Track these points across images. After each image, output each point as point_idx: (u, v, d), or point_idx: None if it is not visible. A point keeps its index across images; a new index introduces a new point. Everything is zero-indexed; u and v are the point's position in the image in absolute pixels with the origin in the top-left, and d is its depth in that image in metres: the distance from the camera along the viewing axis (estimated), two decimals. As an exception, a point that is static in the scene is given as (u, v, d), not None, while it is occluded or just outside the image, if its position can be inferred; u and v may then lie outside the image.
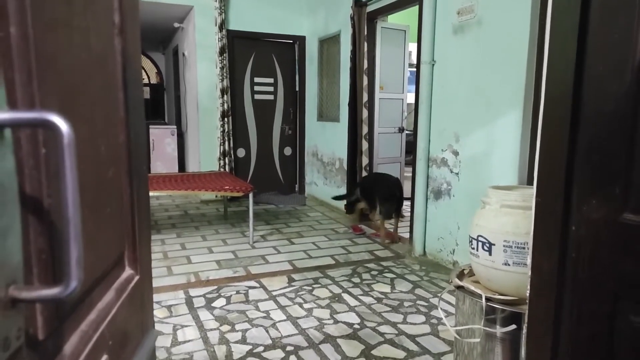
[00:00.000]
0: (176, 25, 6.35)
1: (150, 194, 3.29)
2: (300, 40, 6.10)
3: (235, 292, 3.05)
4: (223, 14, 5.49)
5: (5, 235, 0.42)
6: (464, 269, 2.03)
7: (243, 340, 2.40)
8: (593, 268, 0.94)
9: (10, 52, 0.44)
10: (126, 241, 0.83)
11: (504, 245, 1.68)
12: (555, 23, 0.98)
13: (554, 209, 0.99)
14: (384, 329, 2.55)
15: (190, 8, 5.65)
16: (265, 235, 4.43)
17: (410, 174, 4.00)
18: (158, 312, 2.69)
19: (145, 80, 10.21)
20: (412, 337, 2.45)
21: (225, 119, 5.67)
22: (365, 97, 4.58)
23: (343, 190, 5.17)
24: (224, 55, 5.55)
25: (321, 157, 5.92)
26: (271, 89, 6.17)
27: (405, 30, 5.11)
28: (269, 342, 2.39)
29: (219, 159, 5.74)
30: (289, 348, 2.33)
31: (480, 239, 1.76)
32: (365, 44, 4.52)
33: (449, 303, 2.87)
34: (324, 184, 5.89)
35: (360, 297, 2.99)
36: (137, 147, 0.87)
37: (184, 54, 6.55)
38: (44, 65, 0.50)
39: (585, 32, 0.92)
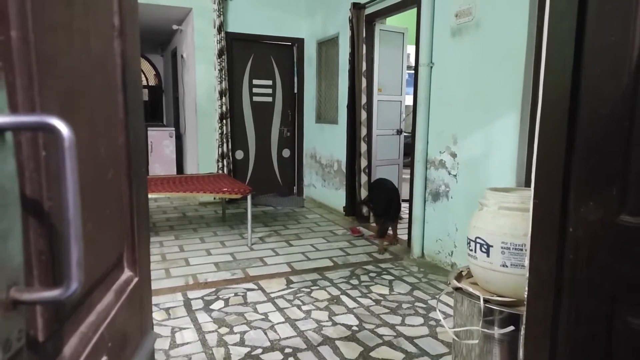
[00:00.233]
0: (175, 27, 6.36)
1: (149, 196, 3.27)
2: (299, 42, 6.11)
3: (233, 295, 3.04)
4: (222, 16, 5.49)
5: (6, 237, 0.42)
6: (462, 271, 2.04)
7: (241, 343, 2.40)
8: (591, 269, 0.94)
9: (11, 55, 0.44)
10: (125, 243, 0.83)
11: (501, 247, 1.69)
12: (553, 26, 0.99)
13: (551, 211, 1.00)
14: (382, 330, 2.55)
15: (189, 10, 5.65)
16: (263, 238, 4.42)
17: (409, 176, 4.00)
18: (156, 315, 2.68)
19: (144, 83, 10.22)
20: (410, 339, 2.45)
21: (224, 121, 5.67)
22: (363, 99, 4.58)
23: (342, 192, 5.16)
24: (223, 57, 5.55)
25: (319, 159, 5.92)
26: (270, 91, 6.17)
27: (403, 33, 5.12)
28: (268, 344, 2.39)
29: (218, 161, 5.73)
30: (287, 350, 2.33)
31: (478, 240, 1.76)
32: (364, 46, 4.53)
33: (447, 305, 2.87)
34: (323, 186, 5.89)
35: (358, 299, 3.00)
36: (137, 149, 0.87)
37: (182, 56, 6.55)
38: (45, 68, 0.50)
39: (583, 34, 0.93)
